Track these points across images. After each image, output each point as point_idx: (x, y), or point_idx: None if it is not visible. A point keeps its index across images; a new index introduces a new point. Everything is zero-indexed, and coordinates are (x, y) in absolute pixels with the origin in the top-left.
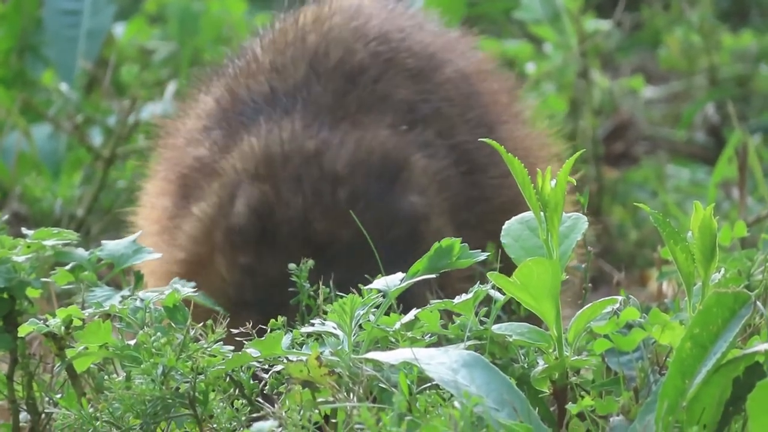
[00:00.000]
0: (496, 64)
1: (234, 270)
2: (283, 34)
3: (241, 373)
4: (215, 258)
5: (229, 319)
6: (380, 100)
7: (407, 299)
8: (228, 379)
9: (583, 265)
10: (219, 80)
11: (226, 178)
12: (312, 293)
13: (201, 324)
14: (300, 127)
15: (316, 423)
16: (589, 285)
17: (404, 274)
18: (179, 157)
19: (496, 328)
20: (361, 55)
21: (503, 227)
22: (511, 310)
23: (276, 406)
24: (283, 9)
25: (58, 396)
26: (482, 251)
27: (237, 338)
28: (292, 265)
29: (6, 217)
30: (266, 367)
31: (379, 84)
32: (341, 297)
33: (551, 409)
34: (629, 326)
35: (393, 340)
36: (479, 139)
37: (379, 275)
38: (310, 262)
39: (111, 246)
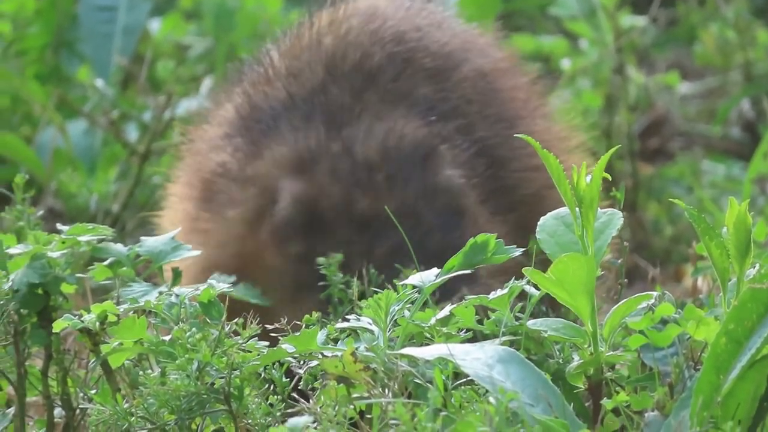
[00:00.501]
0: (517, 61)
1: (288, 260)
2: (298, 39)
3: (273, 371)
4: (264, 254)
5: (290, 305)
6: (400, 98)
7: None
8: (263, 374)
9: (619, 261)
10: (239, 87)
11: (261, 181)
12: (342, 286)
13: (236, 319)
14: (323, 132)
15: (350, 419)
16: (625, 280)
17: (439, 270)
18: (201, 162)
19: (532, 324)
20: (379, 56)
21: (538, 223)
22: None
23: (311, 401)
24: (319, 6)
25: (93, 392)
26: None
27: (272, 334)
28: (321, 259)
29: (41, 212)
30: (300, 363)
31: (398, 83)
32: (393, 268)
33: (586, 404)
34: (664, 322)
35: (428, 335)
36: (516, 135)
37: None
38: (339, 256)
39: (150, 242)
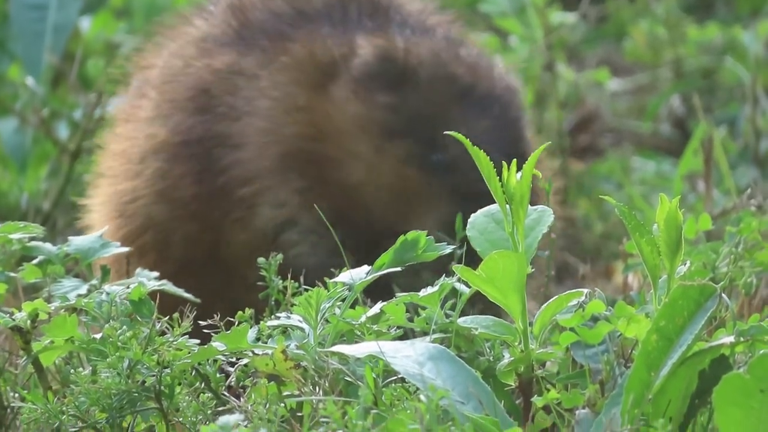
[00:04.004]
0: None
1: (378, 109)
2: None
3: (208, 367)
4: (343, 107)
5: (374, 155)
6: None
7: None
8: (194, 372)
9: (546, 252)
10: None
11: (313, 56)
12: (281, 288)
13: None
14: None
15: (282, 416)
16: (552, 273)
17: (370, 267)
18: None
19: (462, 321)
20: None
21: (469, 220)
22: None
23: (242, 399)
24: None
25: (25, 390)
26: None
27: (204, 330)
28: (261, 260)
29: None
30: (232, 360)
31: None
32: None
33: (517, 402)
34: (595, 319)
35: (359, 333)
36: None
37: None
38: (280, 256)
39: (78, 241)
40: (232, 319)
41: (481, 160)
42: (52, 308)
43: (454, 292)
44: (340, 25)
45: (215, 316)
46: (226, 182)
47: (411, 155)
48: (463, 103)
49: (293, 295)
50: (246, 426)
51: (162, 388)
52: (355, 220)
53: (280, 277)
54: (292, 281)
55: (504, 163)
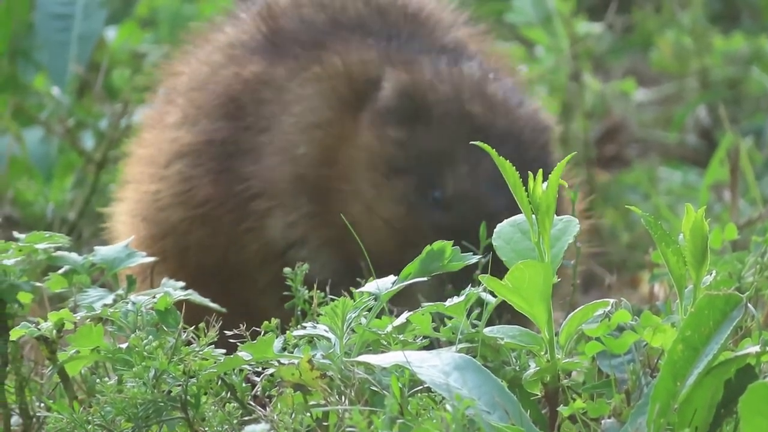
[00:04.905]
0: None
1: (387, 143)
2: None
3: (234, 377)
4: (358, 137)
5: (382, 188)
6: None
7: None
8: (220, 382)
9: (572, 262)
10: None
11: (349, 72)
12: (307, 298)
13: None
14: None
15: (307, 426)
16: (578, 281)
17: (396, 277)
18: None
19: (488, 331)
20: None
21: (495, 230)
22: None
23: (268, 409)
24: None
25: (50, 400)
26: None
27: (230, 341)
28: (287, 270)
29: None
30: (258, 370)
31: None
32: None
33: (543, 411)
34: (621, 329)
35: (385, 342)
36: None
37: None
38: (306, 266)
39: (104, 251)
40: (258, 329)
41: (507, 169)
42: (78, 318)
43: (480, 302)
44: (380, 39)
45: (239, 324)
46: (242, 191)
47: (410, 192)
48: (474, 141)
49: (319, 305)
50: None
51: (188, 397)
52: (354, 251)
53: (306, 286)
54: (318, 291)
55: (530, 173)
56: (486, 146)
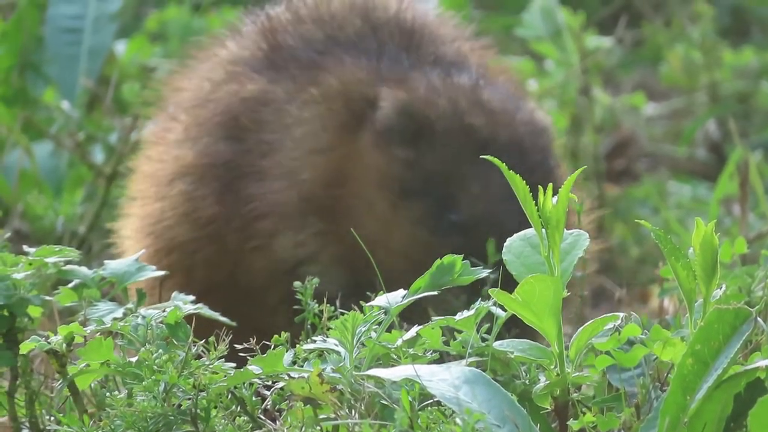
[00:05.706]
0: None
1: (395, 164)
2: None
3: (244, 390)
4: (367, 156)
5: (397, 208)
6: None
7: None
8: (230, 396)
9: (579, 273)
10: (241, 35)
11: (344, 93)
12: (317, 312)
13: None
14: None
15: None
16: (585, 293)
17: (406, 291)
18: (213, 99)
19: (498, 345)
20: None
21: (505, 244)
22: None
23: (278, 422)
24: None
25: (60, 413)
26: None
27: (240, 354)
28: (297, 283)
29: (8, 234)
30: (268, 383)
31: None
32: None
33: (553, 425)
34: (630, 343)
35: (395, 356)
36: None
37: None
38: (316, 280)
39: (114, 265)
40: (267, 343)
41: (517, 184)
42: (88, 331)
43: (490, 316)
44: (372, 57)
45: (249, 339)
46: (248, 211)
47: (426, 215)
48: (479, 155)
49: (329, 318)
50: None
51: (198, 411)
52: (364, 266)
53: (315, 300)
54: (328, 305)
55: (540, 187)
56: (497, 161)
